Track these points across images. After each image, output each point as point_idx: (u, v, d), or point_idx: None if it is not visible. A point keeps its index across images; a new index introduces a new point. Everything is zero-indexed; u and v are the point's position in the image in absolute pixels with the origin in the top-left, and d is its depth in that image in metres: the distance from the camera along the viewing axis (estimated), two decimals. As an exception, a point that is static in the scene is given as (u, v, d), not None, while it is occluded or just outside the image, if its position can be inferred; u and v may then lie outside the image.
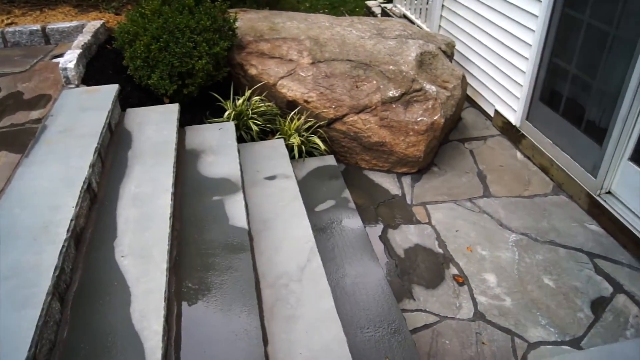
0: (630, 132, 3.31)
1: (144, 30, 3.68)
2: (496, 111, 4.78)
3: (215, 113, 4.00)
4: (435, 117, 4.03)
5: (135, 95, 3.82)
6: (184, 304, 2.37)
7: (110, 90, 3.51)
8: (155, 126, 3.41)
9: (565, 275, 3.19)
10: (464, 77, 4.52)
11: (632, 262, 3.26)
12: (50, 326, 2.01)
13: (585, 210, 3.69)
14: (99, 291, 2.25)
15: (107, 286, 2.28)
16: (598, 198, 3.57)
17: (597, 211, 3.59)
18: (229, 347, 2.20)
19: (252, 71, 4.22)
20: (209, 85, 3.95)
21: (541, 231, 3.56)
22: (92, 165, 2.80)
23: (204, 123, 3.85)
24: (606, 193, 3.57)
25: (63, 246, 2.24)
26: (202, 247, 2.70)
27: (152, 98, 3.82)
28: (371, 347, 2.61)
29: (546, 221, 3.65)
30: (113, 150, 3.20)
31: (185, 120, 3.74)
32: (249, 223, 2.92)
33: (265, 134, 4.10)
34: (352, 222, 3.50)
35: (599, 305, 2.99)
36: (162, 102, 3.79)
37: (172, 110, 3.58)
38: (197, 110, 3.94)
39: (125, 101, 3.70)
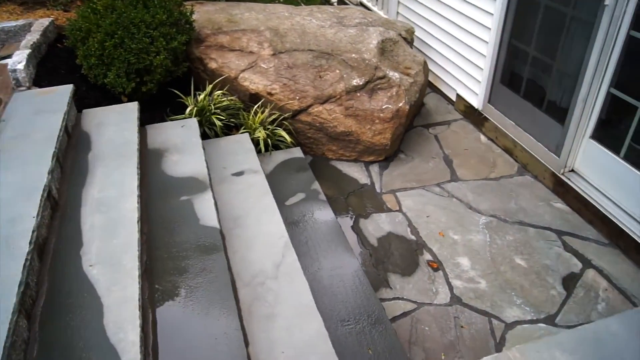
0: (590, 111, 3.38)
1: (97, 26, 3.52)
2: (458, 95, 4.81)
3: (176, 110, 3.88)
4: (400, 104, 4.02)
5: (91, 95, 3.66)
6: (159, 310, 2.29)
7: (64, 91, 3.35)
8: (115, 127, 3.27)
9: (536, 254, 3.25)
10: (425, 63, 4.53)
11: (599, 237, 3.35)
12: (18, 346, 1.90)
13: (551, 189, 3.76)
14: (68, 304, 2.15)
15: (77, 298, 2.17)
16: (562, 177, 3.65)
17: (562, 189, 3.66)
18: (210, 351, 2.14)
19: (212, 65, 4.11)
20: (168, 81, 3.83)
21: (509, 212, 3.61)
22: (51, 172, 2.67)
23: (166, 121, 3.73)
24: (570, 171, 3.65)
25: (26, 260, 2.12)
26: (173, 249, 2.62)
27: (109, 97, 3.68)
28: (353, 340, 2.59)
29: (514, 202, 3.71)
30: (72, 154, 3.05)
31: (146, 119, 3.61)
32: (219, 222, 2.85)
33: (229, 129, 4.01)
34: (323, 214, 3.47)
35: (570, 282, 3.06)
36: (120, 101, 3.64)
37: (131, 109, 3.45)
38: (157, 108, 3.81)
39: (81, 102, 3.55)
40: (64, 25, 4.09)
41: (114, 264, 2.33)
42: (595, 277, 3.07)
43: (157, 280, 2.43)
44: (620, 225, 3.21)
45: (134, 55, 3.49)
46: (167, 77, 3.75)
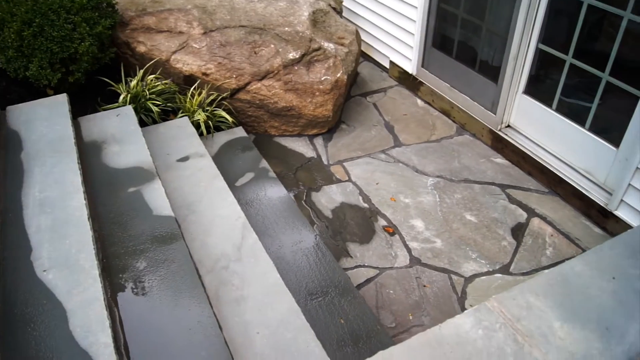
0: (521, 67, 3.53)
1: (11, 15, 3.24)
2: (391, 62, 4.87)
3: (108, 99, 3.68)
4: (338, 75, 4.02)
5: (13, 90, 3.40)
6: (125, 308, 2.20)
7: (-18, 88, 3.10)
8: (46, 122, 3.06)
9: (484, 209, 3.40)
10: (357, 32, 4.54)
11: (539, 187, 3.54)
12: (-20, 364, 1.78)
13: (490, 146, 3.92)
14: (26, 314, 2.02)
15: (35, 307, 2.05)
16: (500, 133, 3.81)
17: (500, 145, 3.83)
18: (186, 342, 2.09)
19: (141, 49, 3.91)
20: (96, 69, 3.61)
21: (454, 171, 3.73)
22: (-17, 176, 2.47)
23: (98, 111, 3.53)
24: (506, 127, 3.81)
25: (-26, 272, 1.97)
26: (129, 244, 2.51)
27: (33, 92, 3.43)
28: (324, 312, 2.62)
29: (457, 161, 3.83)
30: (2, 155, 2.84)
31: (77, 111, 3.40)
32: (173, 210, 2.76)
33: (166, 114, 3.86)
34: (276, 191, 3.44)
35: (518, 232, 3.22)
36: (46, 95, 3.41)
37: (61, 102, 3.23)
38: (87, 99, 3.60)
39: (2, 98, 3.29)
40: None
41: (70, 265, 2.20)
42: (541, 225, 3.25)
43: (117, 278, 2.33)
44: (557, 174, 3.41)
45: (56, 44, 3.26)
46: (94, 65, 3.54)
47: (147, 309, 2.21)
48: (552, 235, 3.17)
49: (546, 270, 1.77)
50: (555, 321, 1.60)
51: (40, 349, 1.89)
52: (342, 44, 4.26)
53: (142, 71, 3.78)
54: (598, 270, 1.77)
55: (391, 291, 2.89)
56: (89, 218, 2.44)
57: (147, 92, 3.68)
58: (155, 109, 3.66)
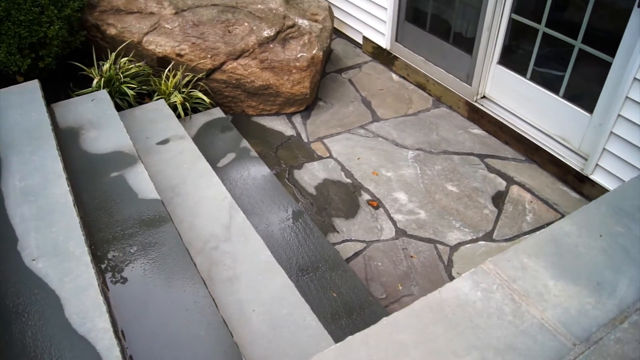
0: (495, 38, 3.58)
1: (-26, -1, 3.12)
2: (364, 37, 4.87)
3: (81, 84, 3.59)
4: (314, 51, 4.00)
5: (-20, 78, 3.28)
6: (118, 294, 2.18)
7: (-51, 77, 2.98)
8: (20, 109, 2.97)
9: (464, 179, 3.46)
10: (330, 8, 4.51)
11: (516, 155, 3.62)
12: (-22, 356, 1.74)
13: (466, 117, 3.98)
14: (19, 305, 1.98)
15: (28, 297, 2.01)
16: (475, 104, 3.86)
17: (476, 116, 3.89)
18: (183, 323, 2.09)
19: (111, 31, 3.81)
20: (67, 54, 3.51)
21: (433, 144, 3.78)
22: (-39, 167, 2.39)
23: (72, 97, 3.44)
24: (482, 98, 3.87)
25: (-38, 264, 1.92)
26: (117, 229, 2.48)
27: (2, 79, 3.31)
28: (316, 287, 2.64)
29: (435, 133, 3.89)
30: (-24, 145, 2.75)
31: (49, 98, 3.30)
32: (158, 193, 2.73)
33: (142, 98, 3.79)
34: (258, 170, 3.43)
35: (498, 199, 3.30)
36: (15, 82, 3.29)
37: (33, 89, 3.13)
38: (59, 85, 3.51)
39: (-31, 87, 3.17)
40: None
41: (59, 253, 2.17)
42: (520, 192, 3.34)
43: (107, 264, 2.31)
44: (534, 142, 3.49)
45: (24, 28, 3.15)
46: (65, 50, 3.44)
47: (142, 293, 2.19)
48: (531, 202, 3.26)
49: (537, 232, 1.82)
50: (550, 280, 1.67)
51: (37, 338, 1.87)
52: (315, 20, 4.23)
53: (114, 54, 3.69)
54: (586, 229, 1.83)
55: (379, 263, 2.94)
56: (74, 204, 2.39)
57: (122, 76, 3.60)
58: (130, 92, 3.59)
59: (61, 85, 3.54)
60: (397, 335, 1.55)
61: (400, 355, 1.49)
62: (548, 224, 3.08)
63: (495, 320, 1.56)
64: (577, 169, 3.27)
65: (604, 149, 3.08)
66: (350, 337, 1.53)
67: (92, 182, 2.72)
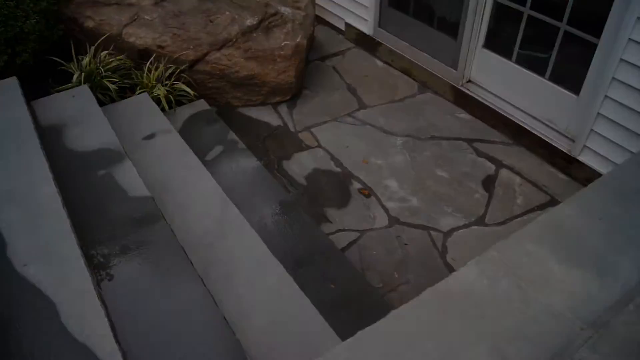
0: (480, 21, 3.56)
1: (-55, -6, 2.99)
2: (347, 24, 4.82)
3: (60, 80, 3.48)
4: (298, 39, 3.95)
5: (-46, 76, 3.15)
6: (115, 296, 2.13)
7: None
8: (-1, 108, 2.88)
9: (454, 164, 3.46)
10: (311, -6, 4.45)
11: (504, 139, 3.64)
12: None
13: (453, 102, 3.98)
14: (11, 314, 1.92)
15: (19, 304, 1.95)
16: (462, 88, 3.86)
17: (463, 100, 3.89)
18: (184, 321, 2.06)
19: (89, 24, 3.70)
20: (45, 49, 3.39)
21: (421, 129, 3.78)
22: (-59, 171, 2.31)
23: (51, 94, 3.34)
24: (468, 82, 3.87)
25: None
26: (108, 229, 2.43)
27: (-23, 76, 3.19)
28: (314, 278, 2.63)
29: (422, 119, 3.88)
30: (-46, 147, 2.65)
31: (29, 95, 3.18)
32: (148, 189, 2.67)
33: (124, 92, 3.70)
34: (247, 162, 3.38)
35: (488, 183, 3.32)
36: (-8, 79, 3.18)
37: (11, 86, 3.03)
38: (38, 81, 3.39)
39: (-56, 86, 3.05)
40: None
41: (51, 257, 2.11)
42: (509, 175, 3.36)
43: (101, 266, 2.25)
44: (521, 125, 3.51)
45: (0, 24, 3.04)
46: (42, 45, 3.32)
47: (140, 294, 2.15)
48: (521, 185, 3.28)
49: (539, 217, 1.83)
50: (554, 264, 1.67)
51: (34, 347, 1.82)
52: (298, 8, 4.17)
53: (93, 48, 3.59)
54: (586, 212, 1.85)
55: (374, 252, 2.93)
56: (63, 206, 2.33)
57: (102, 70, 3.50)
58: (112, 86, 3.50)
59: (40, 81, 3.42)
60: (406, 327, 1.54)
61: (412, 348, 1.48)
62: (538, 206, 3.13)
63: (504, 307, 1.56)
64: (565, 151, 3.30)
65: (591, 130, 3.11)
66: (360, 331, 1.52)
67: (79, 181, 2.66)
